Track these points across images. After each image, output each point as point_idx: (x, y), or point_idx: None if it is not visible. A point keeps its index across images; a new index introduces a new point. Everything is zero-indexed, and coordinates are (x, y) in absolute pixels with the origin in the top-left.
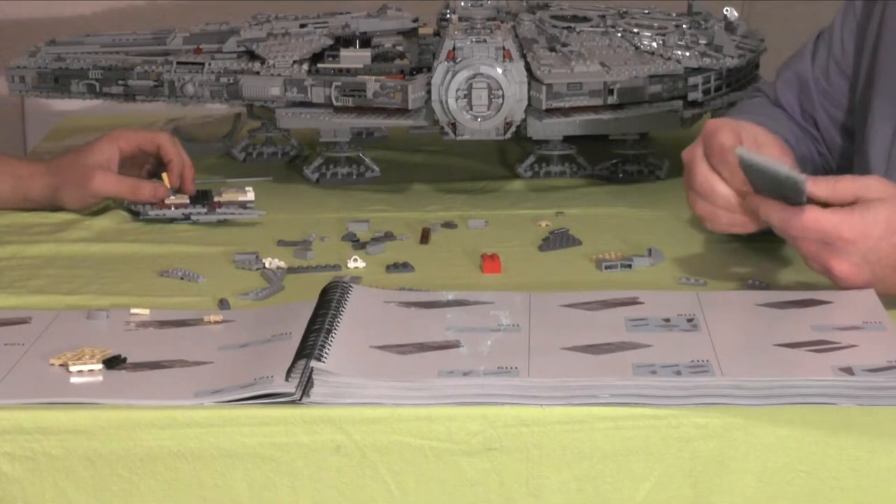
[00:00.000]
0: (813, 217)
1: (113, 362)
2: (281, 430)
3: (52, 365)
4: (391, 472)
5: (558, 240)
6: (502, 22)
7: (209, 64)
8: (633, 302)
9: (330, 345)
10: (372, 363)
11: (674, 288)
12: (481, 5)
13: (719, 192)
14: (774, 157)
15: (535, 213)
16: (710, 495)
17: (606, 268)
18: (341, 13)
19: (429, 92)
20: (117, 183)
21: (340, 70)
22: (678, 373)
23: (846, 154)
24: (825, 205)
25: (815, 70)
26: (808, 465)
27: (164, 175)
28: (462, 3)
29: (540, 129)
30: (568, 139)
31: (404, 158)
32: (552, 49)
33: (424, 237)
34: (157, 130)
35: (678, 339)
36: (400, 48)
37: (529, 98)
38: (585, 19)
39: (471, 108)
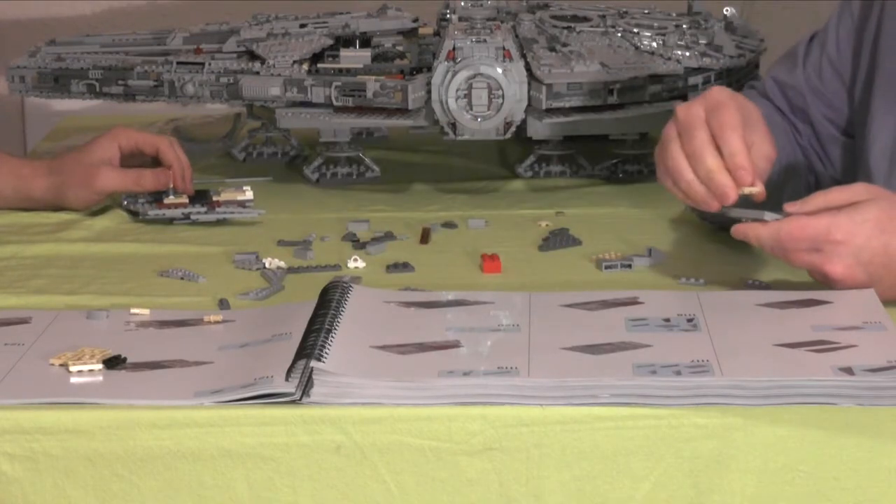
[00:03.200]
0: (800, 224)
1: (113, 362)
2: (281, 430)
3: (52, 365)
4: (391, 472)
5: (558, 240)
6: (502, 22)
7: (209, 64)
8: (633, 302)
9: (330, 345)
10: (372, 363)
11: (674, 288)
12: (481, 5)
13: (709, 163)
14: (754, 210)
15: (535, 213)
16: (710, 495)
17: (606, 268)
18: (341, 13)
19: (429, 92)
20: (121, 178)
21: (340, 70)
22: (678, 373)
23: (849, 151)
24: None
25: (807, 69)
26: (808, 465)
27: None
28: (462, 3)
29: (540, 129)
30: (568, 139)
31: (404, 158)
32: (552, 49)
33: (424, 237)
34: (156, 134)
35: (678, 339)
36: (400, 48)
37: (529, 98)
38: (585, 19)
39: (471, 108)
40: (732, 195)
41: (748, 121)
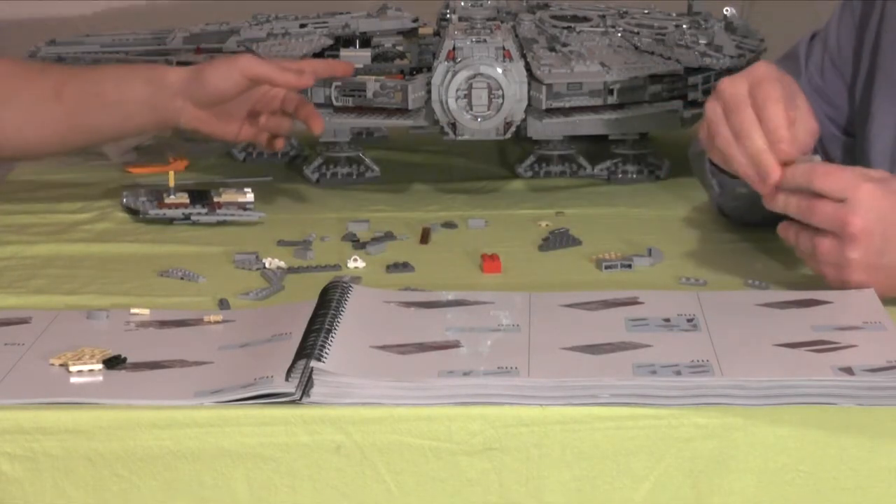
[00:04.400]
0: (836, 167)
1: (113, 362)
2: (281, 430)
3: (52, 365)
4: (391, 472)
5: (558, 240)
6: (502, 22)
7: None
8: (633, 302)
9: (330, 345)
10: (372, 363)
11: (674, 288)
12: (481, 5)
13: (756, 142)
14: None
15: (535, 213)
16: (710, 495)
17: (606, 268)
18: (341, 13)
19: (429, 92)
20: (266, 63)
21: None
22: (678, 373)
23: (849, 151)
24: None
25: (809, 68)
26: (808, 465)
27: (171, 173)
28: (462, 3)
29: (540, 129)
30: (568, 139)
31: (404, 158)
32: (552, 49)
33: (424, 237)
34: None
35: (678, 339)
36: (400, 48)
37: (529, 98)
38: (585, 19)
39: (471, 108)
40: (775, 175)
41: (791, 95)
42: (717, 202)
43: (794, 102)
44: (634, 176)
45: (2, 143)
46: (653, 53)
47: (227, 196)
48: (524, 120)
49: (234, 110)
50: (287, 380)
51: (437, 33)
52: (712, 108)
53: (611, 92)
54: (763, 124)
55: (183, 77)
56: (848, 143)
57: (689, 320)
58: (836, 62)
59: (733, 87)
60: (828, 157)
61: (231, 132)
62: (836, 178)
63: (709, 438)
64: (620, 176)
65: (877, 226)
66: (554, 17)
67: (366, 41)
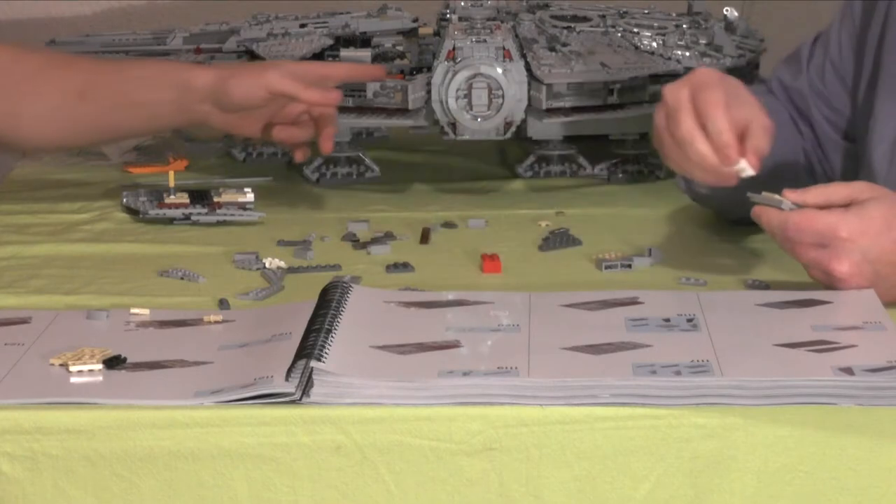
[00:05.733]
0: (809, 217)
1: (113, 362)
2: (281, 430)
3: (52, 365)
4: (391, 472)
5: (558, 240)
6: (502, 22)
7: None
8: (633, 302)
9: (330, 345)
10: (372, 363)
11: (674, 288)
12: (481, 5)
13: (699, 149)
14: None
15: (535, 213)
16: (710, 495)
17: (606, 268)
18: (341, 13)
19: (429, 92)
20: (292, 81)
21: None
22: (678, 373)
23: (849, 156)
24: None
25: (810, 71)
26: (808, 465)
27: (171, 173)
28: (462, 3)
29: (540, 129)
30: (568, 139)
31: (404, 158)
32: (552, 49)
33: (424, 237)
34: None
35: (678, 339)
36: (400, 48)
37: (529, 98)
38: (585, 19)
39: (471, 108)
40: (730, 180)
41: (735, 98)
42: (692, 197)
43: (739, 103)
44: (634, 176)
45: (22, 138)
46: (653, 53)
47: (227, 196)
48: (524, 120)
49: (261, 112)
50: (287, 380)
51: (437, 33)
52: (659, 115)
53: (611, 92)
54: (707, 129)
55: (209, 83)
56: (848, 148)
57: (689, 320)
58: (836, 65)
59: (674, 93)
60: (826, 163)
61: (256, 131)
62: (810, 230)
63: (709, 438)
64: (620, 176)
65: (864, 264)
66: (554, 17)
67: (366, 41)
